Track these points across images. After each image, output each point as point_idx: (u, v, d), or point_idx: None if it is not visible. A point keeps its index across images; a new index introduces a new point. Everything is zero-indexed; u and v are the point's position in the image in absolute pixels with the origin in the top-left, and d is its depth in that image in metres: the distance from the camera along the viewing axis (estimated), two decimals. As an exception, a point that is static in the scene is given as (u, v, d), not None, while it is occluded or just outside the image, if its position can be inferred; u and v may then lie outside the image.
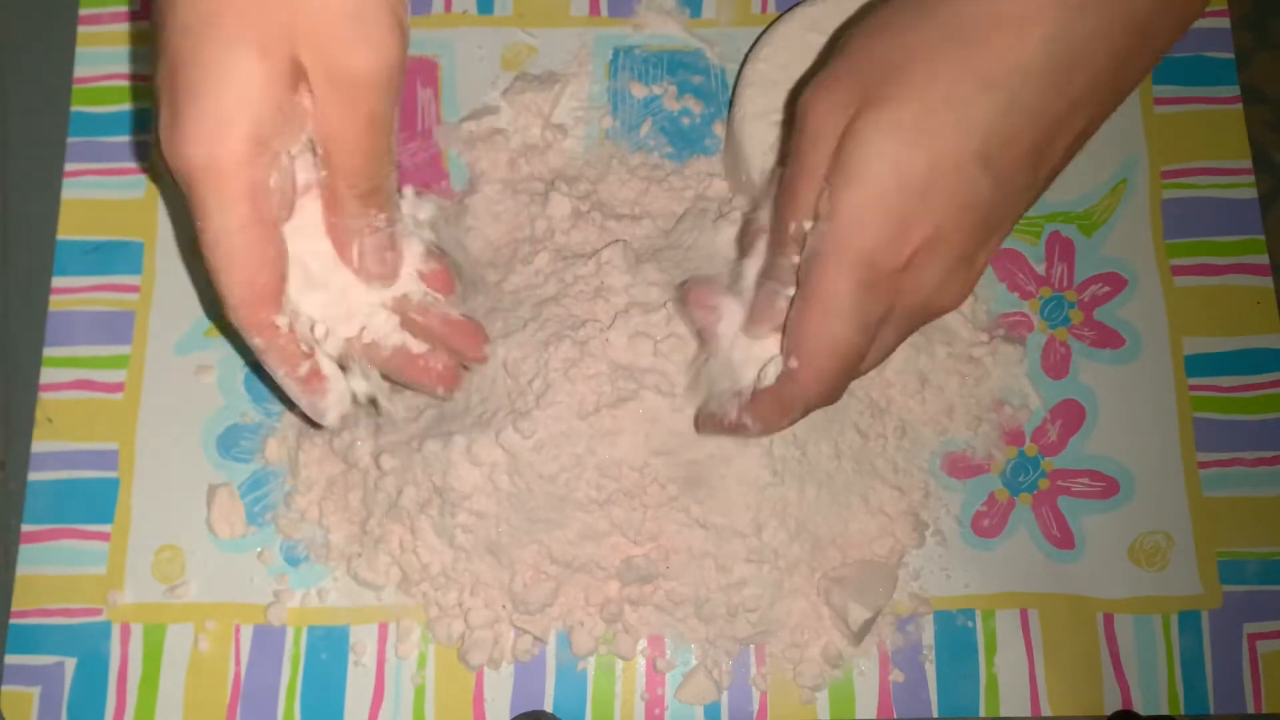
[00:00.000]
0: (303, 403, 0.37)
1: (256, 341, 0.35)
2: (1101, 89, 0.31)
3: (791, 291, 0.35)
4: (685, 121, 0.51)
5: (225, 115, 0.31)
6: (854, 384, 0.45)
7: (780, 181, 0.35)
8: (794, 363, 0.35)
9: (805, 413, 0.36)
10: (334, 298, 0.37)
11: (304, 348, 0.36)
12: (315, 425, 0.39)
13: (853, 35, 0.34)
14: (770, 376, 0.37)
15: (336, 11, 0.31)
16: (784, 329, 0.36)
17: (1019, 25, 0.30)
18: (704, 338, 0.40)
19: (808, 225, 0.34)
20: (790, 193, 0.34)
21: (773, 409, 0.36)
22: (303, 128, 0.33)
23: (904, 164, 0.31)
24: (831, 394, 0.35)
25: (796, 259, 0.34)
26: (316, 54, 0.32)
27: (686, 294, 0.40)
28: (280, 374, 0.36)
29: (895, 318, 0.34)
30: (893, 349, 0.35)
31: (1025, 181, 0.32)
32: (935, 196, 0.31)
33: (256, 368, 0.48)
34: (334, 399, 0.38)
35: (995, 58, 0.30)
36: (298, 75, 0.32)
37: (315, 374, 0.37)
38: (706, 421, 0.40)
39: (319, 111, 0.33)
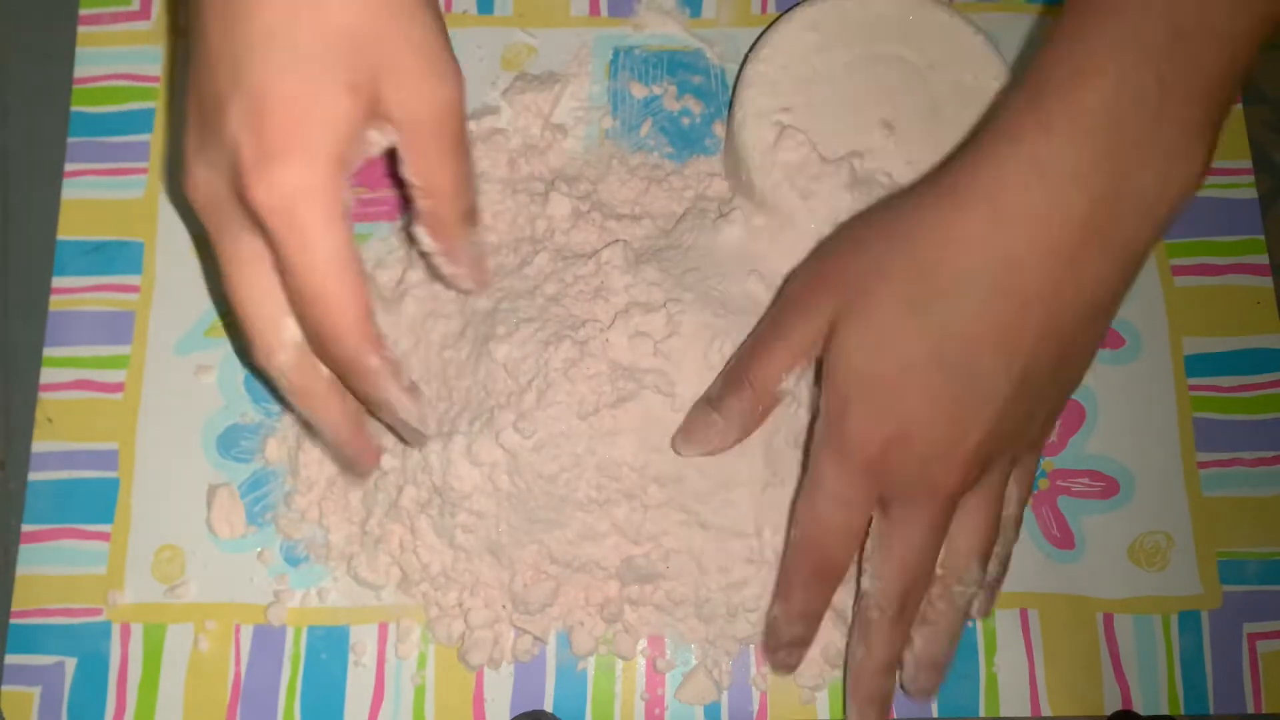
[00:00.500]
0: (412, 416, 0.37)
1: (373, 362, 0.34)
2: (1054, 285, 0.35)
3: (718, 418, 0.41)
4: (685, 121, 0.51)
5: (311, 149, 0.31)
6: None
7: (755, 334, 0.41)
8: (794, 531, 0.40)
9: (807, 591, 0.41)
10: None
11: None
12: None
13: (833, 247, 0.40)
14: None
15: (416, 49, 0.33)
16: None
17: (962, 241, 0.35)
18: None
19: (780, 384, 0.40)
20: (763, 349, 0.40)
21: (781, 591, 0.42)
22: (363, 160, 0.33)
23: (876, 373, 0.36)
24: (822, 558, 0.40)
25: (744, 400, 0.40)
26: (403, 90, 0.33)
27: None
28: (393, 392, 0.36)
29: (895, 501, 0.38)
30: (918, 539, 0.38)
31: (992, 369, 0.35)
32: (905, 397, 0.36)
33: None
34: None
35: (944, 271, 0.35)
36: (376, 112, 0.33)
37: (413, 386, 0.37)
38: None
39: (412, 145, 0.34)
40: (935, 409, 0.36)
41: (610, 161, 0.50)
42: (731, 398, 0.40)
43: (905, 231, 0.37)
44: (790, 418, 0.44)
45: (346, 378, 0.35)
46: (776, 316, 0.40)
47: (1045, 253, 0.34)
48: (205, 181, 0.33)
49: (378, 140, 0.34)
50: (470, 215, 0.37)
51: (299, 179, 0.31)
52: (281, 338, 0.34)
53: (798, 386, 0.41)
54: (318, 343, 0.34)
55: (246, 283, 0.34)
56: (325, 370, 0.35)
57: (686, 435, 0.41)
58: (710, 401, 0.41)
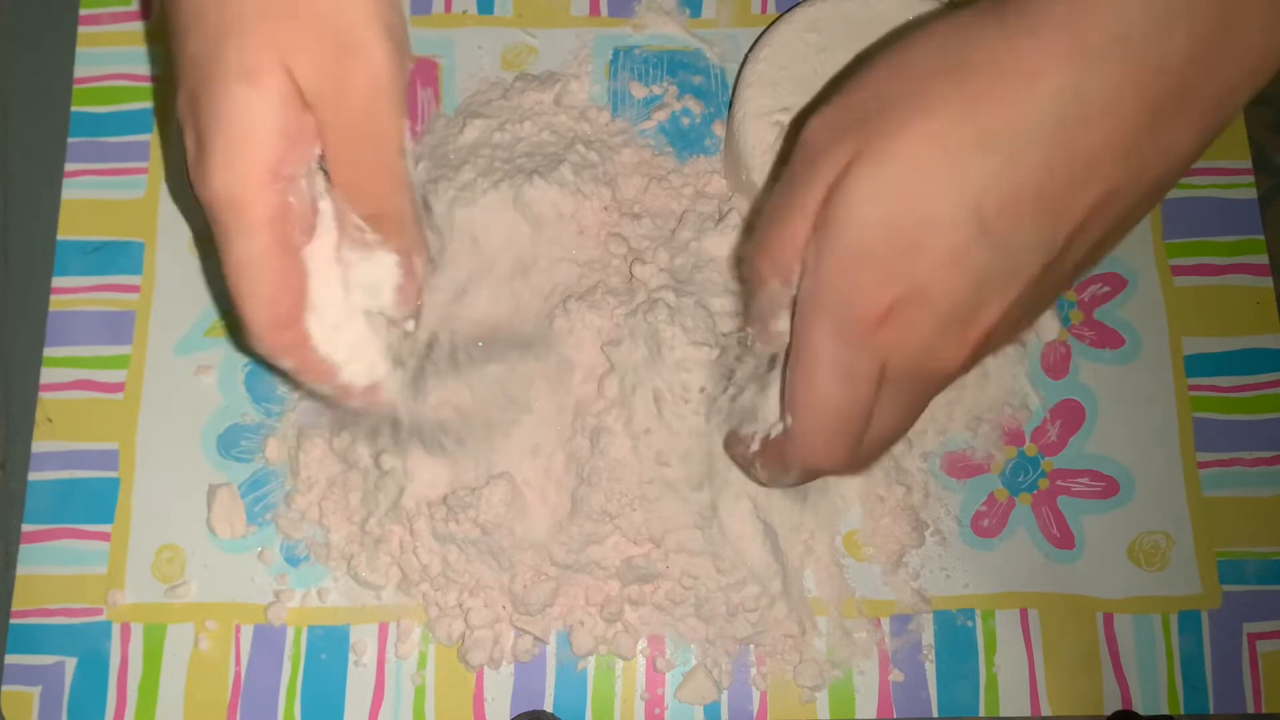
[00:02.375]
0: (354, 405, 0.37)
1: (287, 364, 0.35)
2: (1129, 146, 0.29)
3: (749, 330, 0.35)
4: (685, 121, 0.51)
5: (235, 148, 0.31)
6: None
7: (772, 204, 0.34)
8: (789, 419, 0.34)
9: (810, 474, 0.36)
10: (328, 329, 0.36)
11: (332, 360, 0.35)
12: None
13: (866, 67, 0.32)
14: (778, 429, 0.36)
15: (322, 26, 0.31)
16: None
17: (1027, 77, 0.28)
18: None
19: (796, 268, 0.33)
20: (780, 221, 0.33)
21: (775, 464, 0.36)
22: (313, 146, 0.33)
23: (893, 225, 0.30)
24: (829, 454, 0.34)
25: (768, 293, 0.34)
26: (307, 71, 0.31)
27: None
28: (323, 390, 0.36)
29: (891, 380, 0.32)
30: (903, 418, 0.34)
31: (1031, 242, 0.30)
32: (923, 254, 0.30)
33: (257, 368, 0.48)
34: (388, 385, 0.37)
35: (997, 110, 0.29)
36: (299, 95, 0.32)
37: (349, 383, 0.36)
38: (729, 446, 0.40)
39: (320, 129, 0.32)
40: (958, 275, 0.30)
41: (621, 143, 0.50)
42: (753, 300, 0.35)
43: (955, 61, 0.30)
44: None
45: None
46: (791, 173, 0.33)
47: (1130, 102, 0.28)
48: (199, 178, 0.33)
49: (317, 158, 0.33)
50: (382, 224, 0.35)
51: (219, 180, 0.31)
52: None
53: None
54: (246, 337, 0.34)
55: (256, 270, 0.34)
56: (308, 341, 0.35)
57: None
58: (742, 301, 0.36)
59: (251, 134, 0.31)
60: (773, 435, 0.36)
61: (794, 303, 0.33)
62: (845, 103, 0.32)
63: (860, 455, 0.34)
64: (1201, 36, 0.28)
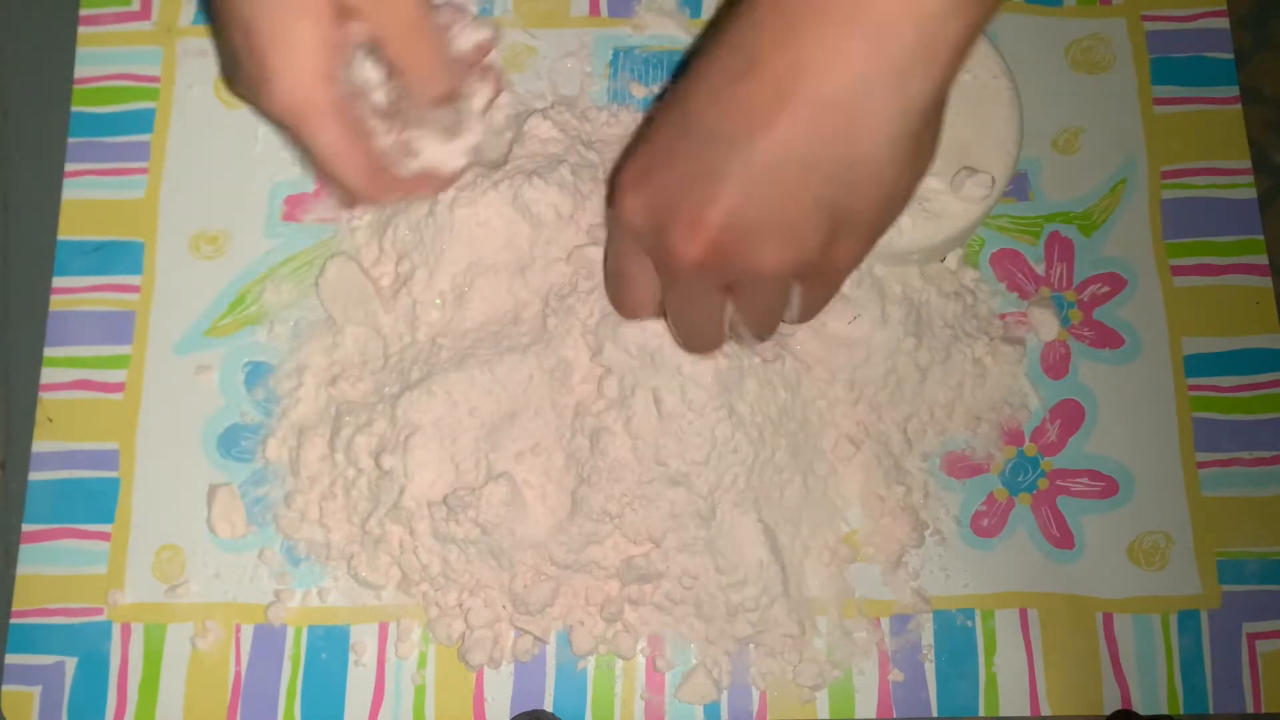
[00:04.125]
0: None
1: (385, 198, 0.42)
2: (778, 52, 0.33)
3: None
4: (685, 121, 0.51)
5: (294, 69, 0.38)
6: (852, 385, 0.46)
7: (609, 271, 0.42)
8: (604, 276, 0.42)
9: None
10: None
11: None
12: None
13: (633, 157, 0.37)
14: None
15: None
16: None
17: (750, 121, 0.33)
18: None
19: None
20: (622, 290, 0.40)
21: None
22: (355, 43, 0.40)
23: (641, 165, 0.36)
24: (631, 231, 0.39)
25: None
26: None
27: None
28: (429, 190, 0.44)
29: (734, 292, 0.37)
30: (674, 306, 0.39)
31: (735, 137, 0.33)
32: (658, 167, 0.35)
33: (257, 368, 0.48)
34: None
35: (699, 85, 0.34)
36: (341, 11, 0.38)
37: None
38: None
39: (384, 34, 0.40)
40: (679, 172, 0.35)
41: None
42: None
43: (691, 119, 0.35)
44: (799, 418, 0.44)
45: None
46: (617, 249, 0.40)
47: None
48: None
49: (359, 30, 0.40)
50: (448, 97, 0.43)
51: (285, 98, 0.39)
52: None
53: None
54: (347, 200, 0.43)
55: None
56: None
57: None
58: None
59: (308, 54, 0.38)
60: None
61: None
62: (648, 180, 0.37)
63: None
64: None
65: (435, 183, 0.44)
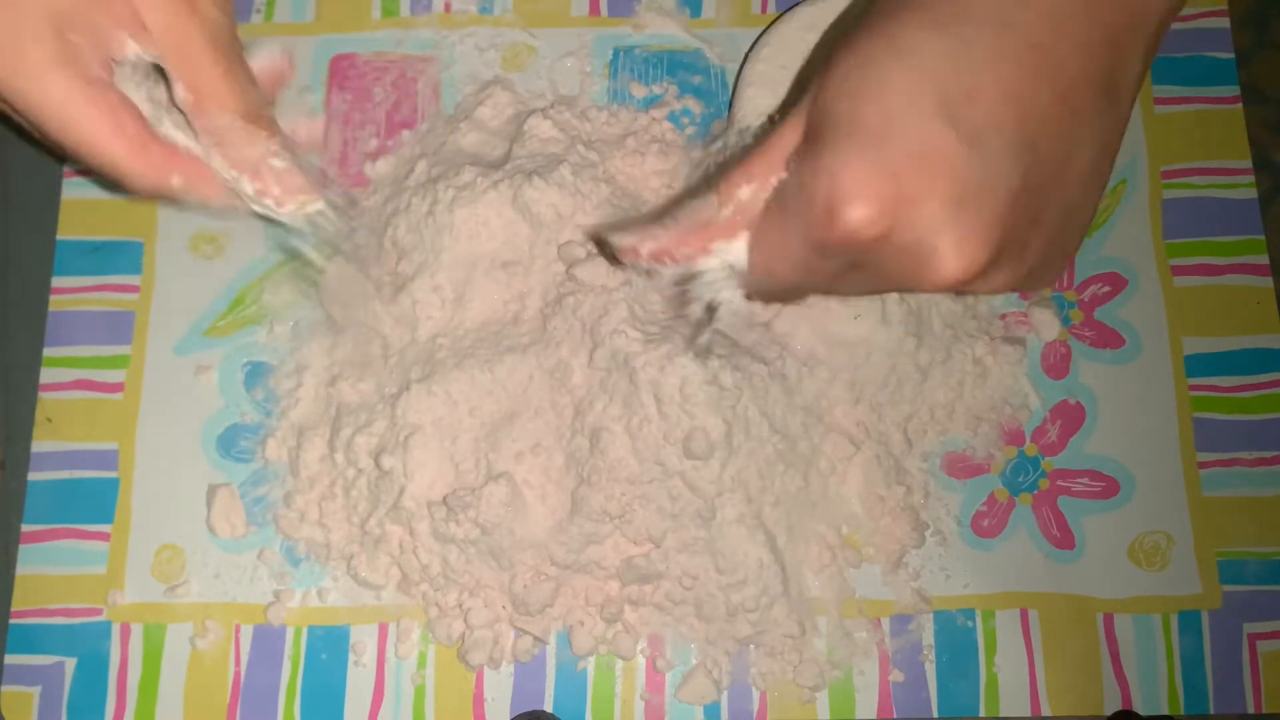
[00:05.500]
0: (273, 194, 0.37)
1: (176, 182, 0.36)
2: (1073, 33, 0.30)
3: (670, 226, 0.35)
4: (685, 121, 0.51)
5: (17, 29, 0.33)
6: (853, 385, 0.46)
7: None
8: (750, 261, 0.34)
9: (694, 246, 0.35)
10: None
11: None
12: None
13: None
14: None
15: None
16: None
17: None
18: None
19: (744, 192, 0.34)
20: (750, 157, 0.34)
21: (676, 234, 0.36)
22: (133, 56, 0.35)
23: (856, 120, 0.30)
24: (763, 293, 0.36)
25: (708, 204, 0.34)
26: (155, 11, 0.34)
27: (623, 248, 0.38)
28: (235, 181, 0.37)
29: (863, 271, 0.32)
30: (863, 291, 0.35)
31: (1005, 141, 0.29)
32: (890, 145, 0.29)
33: (257, 368, 0.48)
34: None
35: (943, 5, 0.30)
36: (135, 25, 0.34)
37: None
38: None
39: (174, 60, 0.35)
40: (932, 170, 0.29)
41: (625, 139, 0.50)
42: (689, 199, 0.35)
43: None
44: (800, 418, 0.44)
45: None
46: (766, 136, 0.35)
47: None
48: None
49: (136, 50, 0.35)
50: (258, 120, 0.37)
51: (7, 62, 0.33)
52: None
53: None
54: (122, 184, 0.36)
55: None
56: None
57: (623, 237, 0.36)
58: (667, 210, 0.36)
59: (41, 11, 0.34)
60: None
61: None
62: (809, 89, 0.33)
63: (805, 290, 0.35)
64: None
65: (218, 184, 0.37)
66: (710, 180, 0.35)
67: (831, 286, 0.34)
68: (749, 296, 0.36)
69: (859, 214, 0.29)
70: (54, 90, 0.34)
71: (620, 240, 0.36)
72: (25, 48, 0.33)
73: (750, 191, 0.34)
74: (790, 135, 0.33)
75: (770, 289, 0.35)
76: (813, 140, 0.31)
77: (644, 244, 0.35)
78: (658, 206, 0.44)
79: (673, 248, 0.35)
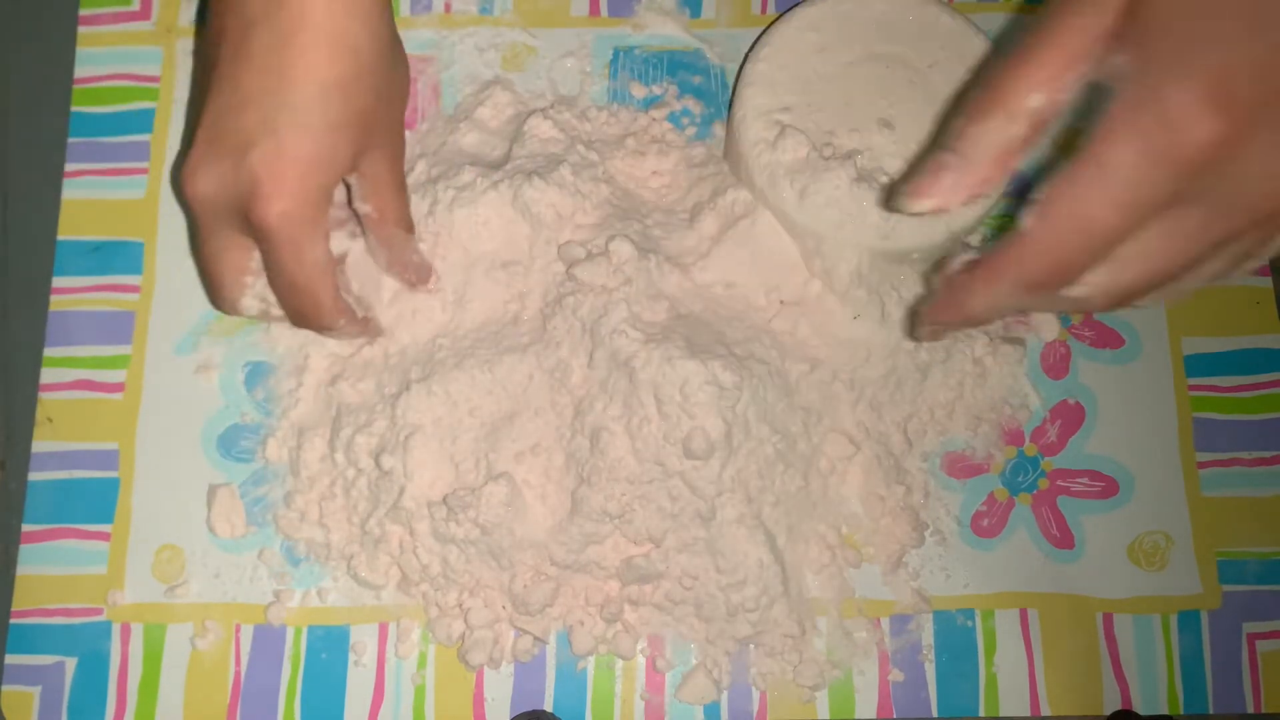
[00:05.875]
0: (411, 282, 0.45)
1: (340, 324, 0.42)
2: None
3: (951, 155, 0.31)
4: (685, 121, 0.51)
5: (315, 189, 0.39)
6: (853, 385, 0.46)
7: (1007, 54, 0.31)
8: (1029, 221, 0.30)
9: (1013, 291, 0.32)
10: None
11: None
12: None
13: None
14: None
15: (391, 115, 0.42)
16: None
17: None
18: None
19: (1034, 99, 0.29)
20: (1017, 57, 0.30)
21: (982, 276, 0.32)
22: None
23: (1216, 35, 0.26)
24: (1056, 268, 0.30)
25: (988, 125, 0.30)
26: (376, 150, 0.41)
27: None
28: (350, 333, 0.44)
29: (1199, 206, 0.28)
30: (1183, 250, 0.30)
31: None
32: (1265, 37, 0.26)
33: (257, 368, 0.48)
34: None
35: None
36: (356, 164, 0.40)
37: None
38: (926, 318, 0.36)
39: (370, 185, 0.41)
40: None
41: (625, 139, 0.50)
42: (972, 124, 0.30)
43: None
44: (800, 418, 0.44)
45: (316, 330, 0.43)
46: (1034, 27, 0.30)
47: None
48: (210, 187, 0.39)
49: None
50: (410, 228, 0.44)
51: (300, 211, 0.38)
52: (246, 297, 0.42)
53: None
54: (300, 320, 0.42)
55: (226, 260, 0.41)
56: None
57: (913, 188, 0.32)
58: (940, 143, 0.31)
59: (331, 180, 0.40)
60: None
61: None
62: None
63: (1077, 298, 0.31)
64: None
65: (374, 326, 0.45)
66: (968, 99, 0.31)
67: (1120, 233, 0.29)
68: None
69: (1213, 125, 0.26)
70: (318, 251, 0.40)
71: (912, 188, 0.32)
72: (312, 196, 0.39)
73: (1043, 99, 0.29)
74: (1090, 19, 0.28)
75: (1080, 240, 0.29)
76: (1140, 32, 0.27)
77: (937, 181, 0.31)
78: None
79: (972, 181, 0.31)
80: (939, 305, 0.35)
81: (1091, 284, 0.31)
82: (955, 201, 0.31)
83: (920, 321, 0.37)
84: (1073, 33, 0.29)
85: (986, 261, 0.32)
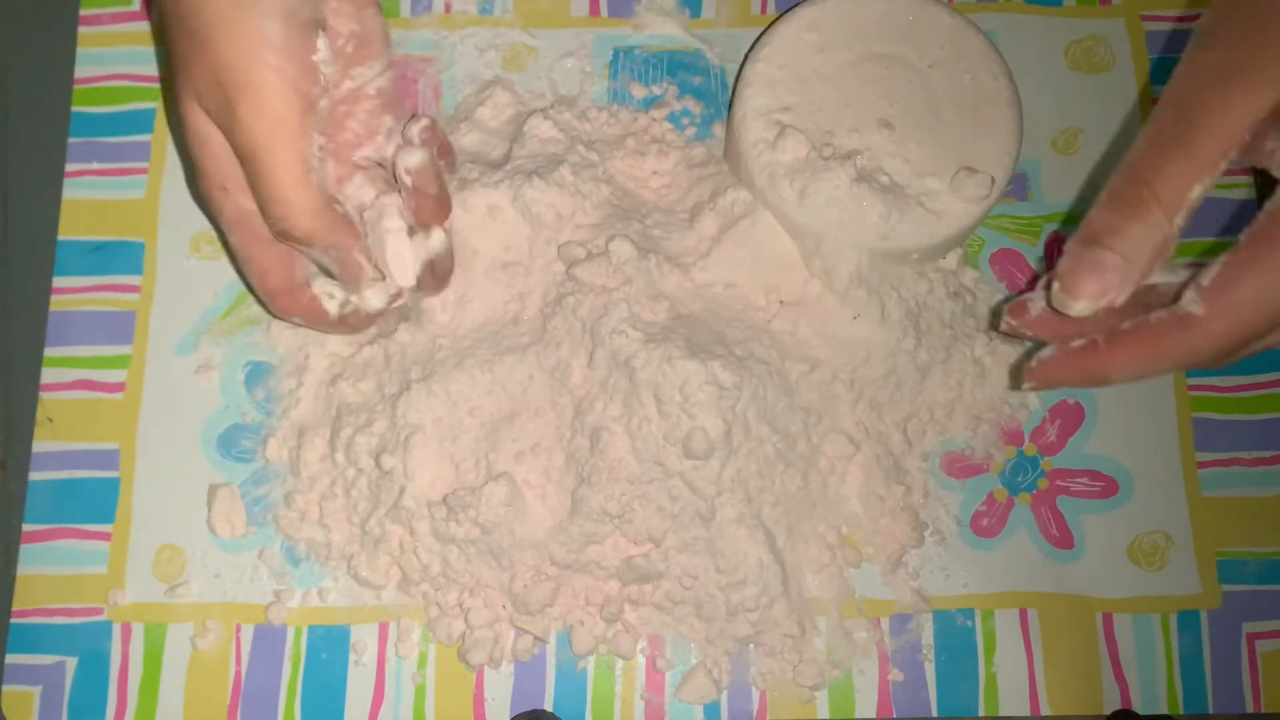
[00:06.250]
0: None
1: (335, 239, 0.40)
2: None
3: (1112, 255, 0.31)
4: (685, 121, 0.51)
5: (312, 189, 0.38)
6: (853, 385, 0.46)
7: (1146, 138, 0.31)
8: (1200, 309, 0.30)
9: (1172, 368, 0.33)
10: None
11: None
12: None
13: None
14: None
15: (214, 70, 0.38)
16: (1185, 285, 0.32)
17: None
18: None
19: (1195, 192, 0.29)
20: (1167, 150, 0.30)
21: (1138, 353, 0.32)
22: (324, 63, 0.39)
23: None
24: (1230, 352, 0.31)
25: (1149, 221, 0.30)
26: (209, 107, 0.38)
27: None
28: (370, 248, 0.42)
29: None
30: None
31: None
32: None
33: (257, 367, 0.48)
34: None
35: None
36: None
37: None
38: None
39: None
40: None
41: (625, 140, 0.50)
42: (1131, 222, 0.30)
43: None
44: (800, 418, 0.44)
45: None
46: (1179, 108, 0.30)
47: None
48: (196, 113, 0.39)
49: (323, 48, 0.39)
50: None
51: (316, 214, 0.38)
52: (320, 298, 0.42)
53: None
54: (286, 238, 0.40)
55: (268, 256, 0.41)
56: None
57: (1071, 286, 0.32)
58: (1094, 238, 0.31)
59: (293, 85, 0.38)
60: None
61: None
62: (1243, 30, 0.29)
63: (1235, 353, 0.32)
64: None
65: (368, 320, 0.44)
66: (1115, 187, 0.31)
67: None
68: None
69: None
70: (359, 251, 0.41)
71: (1069, 286, 0.32)
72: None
73: (1202, 190, 0.29)
74: (1254, 98, 0.28)
75: (1263, 326, 0.30)
76: None
77: (1104, 281, 0.31)
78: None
79: (1137, 279, 0.31)
80: (1061, 369, 0.34)
81: (1242, 354, 0.31)
82: (1121, 294, 0.31)
83: (1028, 378, 0.36)
84: (1231, 114, 0.29)
85: (1143, 338, 0.32)
